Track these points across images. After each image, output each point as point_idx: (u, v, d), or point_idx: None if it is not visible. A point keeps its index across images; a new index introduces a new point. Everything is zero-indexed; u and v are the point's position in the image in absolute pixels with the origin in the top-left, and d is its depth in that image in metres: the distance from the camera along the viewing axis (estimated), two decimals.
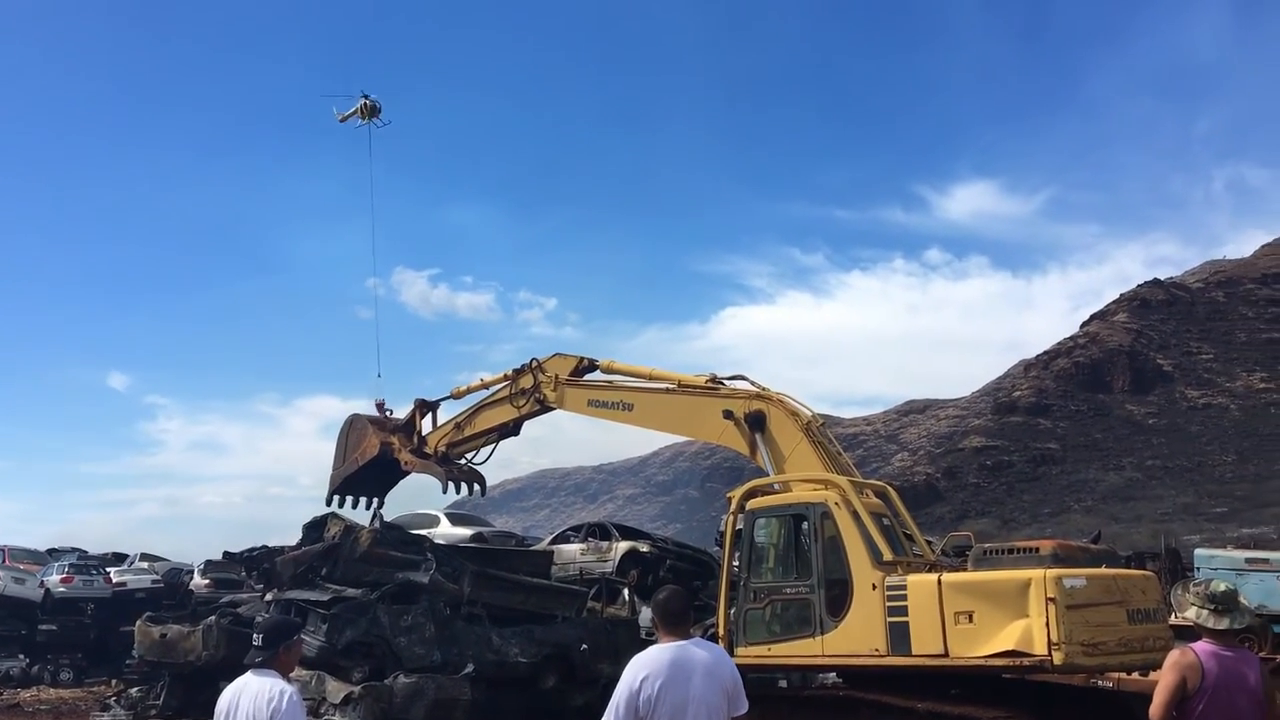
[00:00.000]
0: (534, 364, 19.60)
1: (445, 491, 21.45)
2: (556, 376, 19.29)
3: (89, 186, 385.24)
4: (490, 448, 21.04)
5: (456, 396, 21.79)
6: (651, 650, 5.71)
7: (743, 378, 16.75)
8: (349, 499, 22.51)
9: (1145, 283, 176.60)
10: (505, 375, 20.47)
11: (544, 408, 19.84)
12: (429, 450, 21.45)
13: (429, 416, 21.99)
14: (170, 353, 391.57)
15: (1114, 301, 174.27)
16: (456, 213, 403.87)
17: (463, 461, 21.43)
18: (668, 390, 17.68)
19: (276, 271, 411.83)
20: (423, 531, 22.79)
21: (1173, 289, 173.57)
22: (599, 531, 25.56)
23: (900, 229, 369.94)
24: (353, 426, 22.61)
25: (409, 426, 22.01)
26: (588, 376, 19.26)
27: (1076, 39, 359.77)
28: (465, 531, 25.36)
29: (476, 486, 21.64)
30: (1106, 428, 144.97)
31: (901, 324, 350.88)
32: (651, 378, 18.24)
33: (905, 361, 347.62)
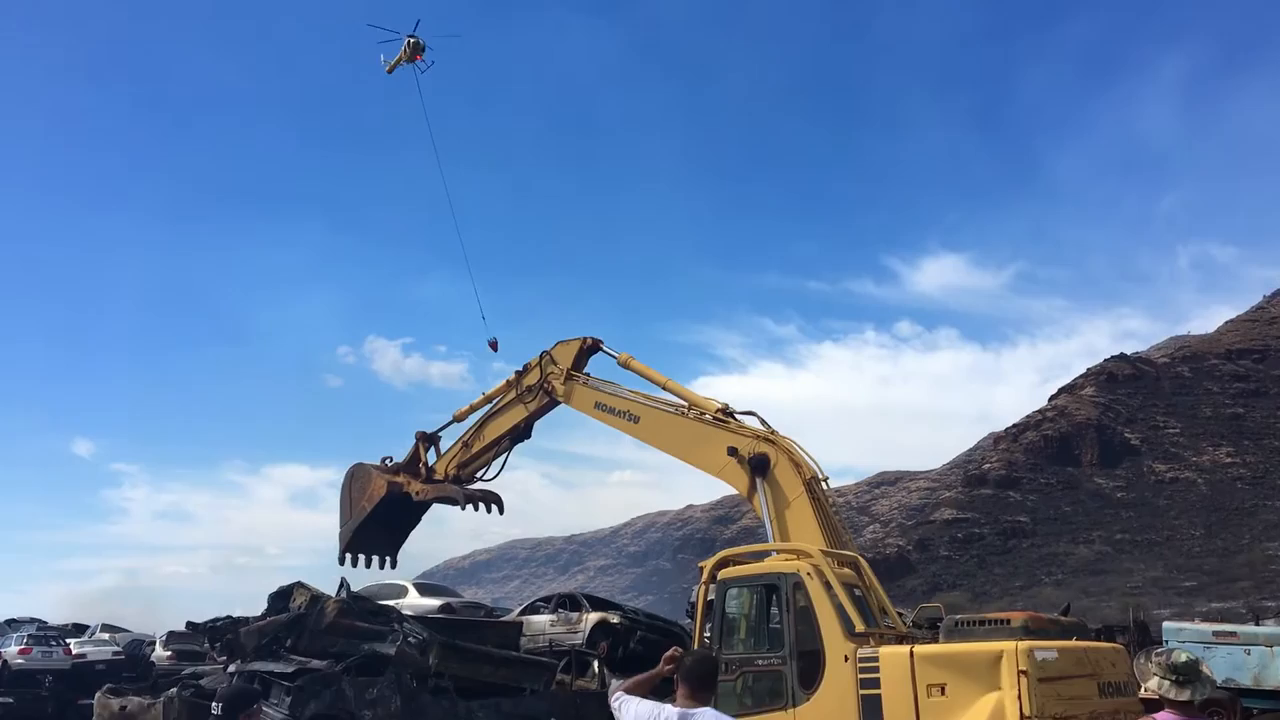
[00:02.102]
0: (544, 356, 19.55)
1: (463, 508, 21.11)
2: (566, 369, 19.18)
3: (56, 250, 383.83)
4: (502, 459, 20.83)
5: (459, 419, 21.62)
6: (667, 707, 5.57)
7: (753, 414, 16.59)
8: (361, 557, 22.16)
9: (1112, 357, 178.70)
10: (508, 381, 20.39)
11: (553, 401, 19.68)
12: (438, 476, 21.22)
13: (432, 449, 21.81)
14: (137, 419, 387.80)
15: (1081, 375, 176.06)
16: (430, 282, 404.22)
17: (476, 483, 21.23)
18: (676, 410, 17.53)
19: (245, 338, 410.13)
20: (390, 602, 22.50)
21: (1139, 364, 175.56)
22: (569, 602, 25.29)
23: (871, 301, 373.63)
24: (354, 477, 22.32)
25: (413, 462, 21.77)
26: (591, 364, 19.18)
27: (1034, 124, 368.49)
28: (433, 602, 25.05)
29: (494, 506, 21.35)
30: (1076, 501, 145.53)
31: (873, 395, 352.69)
32: (665, 387, 18.08)
33: (877, 432, 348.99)
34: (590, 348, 19.59)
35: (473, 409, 21.36)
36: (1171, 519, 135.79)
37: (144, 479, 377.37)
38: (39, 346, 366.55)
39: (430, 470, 21.51)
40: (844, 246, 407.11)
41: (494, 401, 20.65)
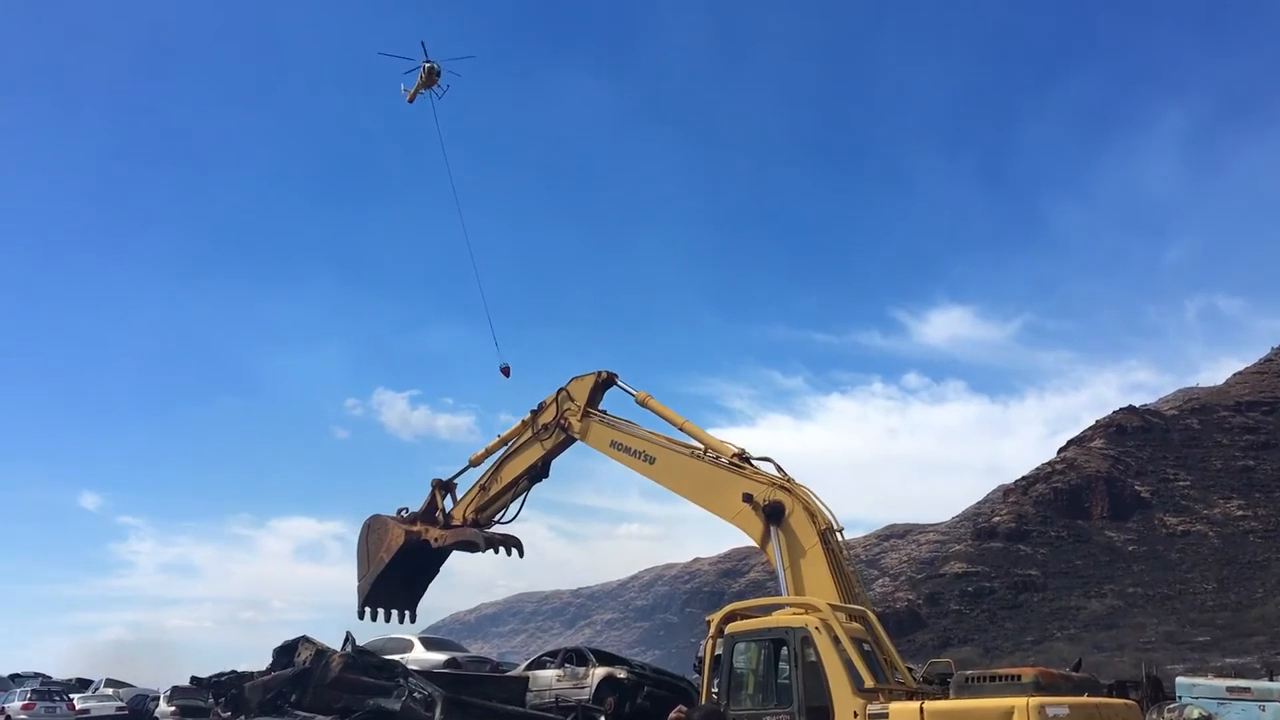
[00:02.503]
0: (561, 393, 19.49)
1: (483, 551, 20.95)
2: (582, 405, 19.11)
3: (65, 304, 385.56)
4: (520, 500, 20.72)
5: (474, 464, 21.54)
6: None
7: (770, 460, 16.48)
8: (380, 612, 21.98)
9: (1121, 409, 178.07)
10: (523, 421, 20.32)
11: (569, 438, 19.58)
12: (456, 522, 21.09)
13: (449, 496, 21.71)
14: (144, 472, 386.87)
15: (1090, 428, 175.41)
16: (437, 334, 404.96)
17: (494, 527, 21.09)
18: (693, 453, 17.42)
19: (253, 391, 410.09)
20: (396, 656, 22.36)
21: (1148, 416, 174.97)
22: (575, 657, 25.07)
23: (878, 353, 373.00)
24: (371, 528, 22.19)
25: (430, 511, 21.67)
26: (608, 401, 19.12)
27: (1037, 178, 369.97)
28: (439, 656, 24.88)
29: (515, 550, 21.19)
30: (1087, 554, 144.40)
31: (881, 447, 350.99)
32: (683, 428, 17.98)
33: (885, 485, 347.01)
34: (605, 382, 19.55)
35: (488, 453, 21.33)
36: (1183, 573, 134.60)
37: (150, 532, 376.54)
38: (47, 399, 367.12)
39: (448, 517, 21.43)
40: (850, 299, 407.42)
41: (510, 443, 20.61)
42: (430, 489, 21.94)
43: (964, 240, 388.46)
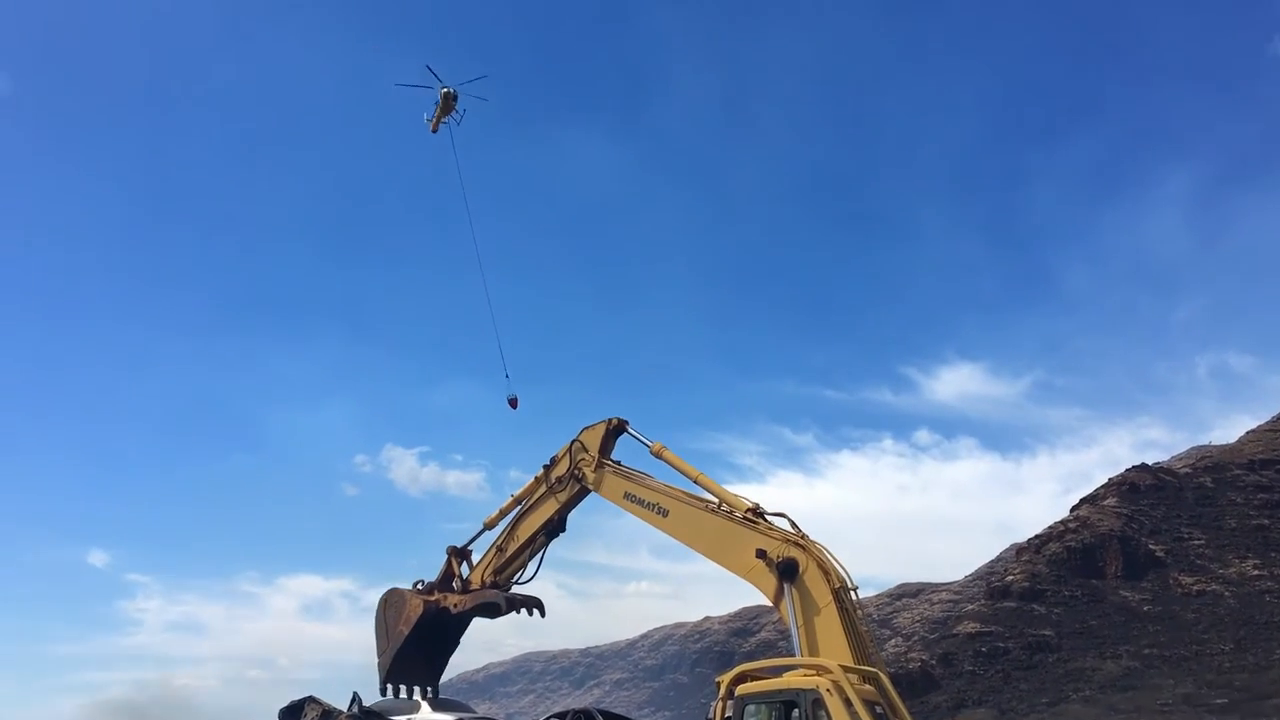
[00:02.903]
0: (574, 444, 19.37)
1: (506, 613, 20.65)
2: (596, 455, 18.97)
3: (75, 364, 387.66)
4: (538, 558, 20.46)
5: (489, 526, 21.31)
6: None
7: (784, 516, 16.29)
8: (403, 685, 21.56)
9: (1133, 467, 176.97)
10: (536, 478, 20.17)
11: (584, 489, 19.40)
12: (475, 587, 20.81)
13: (465, 563, 21.44)
14: (153, 529, 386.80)
15: (1103, 486, 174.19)
16: (447, 391, 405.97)
17: (513, 588, 20.80)
18: (707, 507, 17.25)
19: (264, 448, 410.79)
20: (403, 718, 22.14)
21: (1161, 474, 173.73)
22: (583, 718, 24.81)
23: (889, 409, 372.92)
24: (389, 603, 21.82)
25: (447, 579, 21.42)
26: (622, 451, 18.98)
27: (1044, 235, 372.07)
28: (447, 718, 24.61)
29: (536, 610, 20.88)
30: (1102, 614, 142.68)
31: (892, 504, 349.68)
32: (697, 481, 17.80)
33: (897, 543, 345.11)
34: (616, 429, 19.44)
35: (503, 514, 21.15)
36: (1200, 633, 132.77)
37: (158, 589, 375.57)
38: (59, 457, 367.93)
39: (466, 582, 21.13)
40: (860, 355, 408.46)
41: (524, 501, 20.47)
42: (446, 557, 21.66)
43: (973, 297, 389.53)
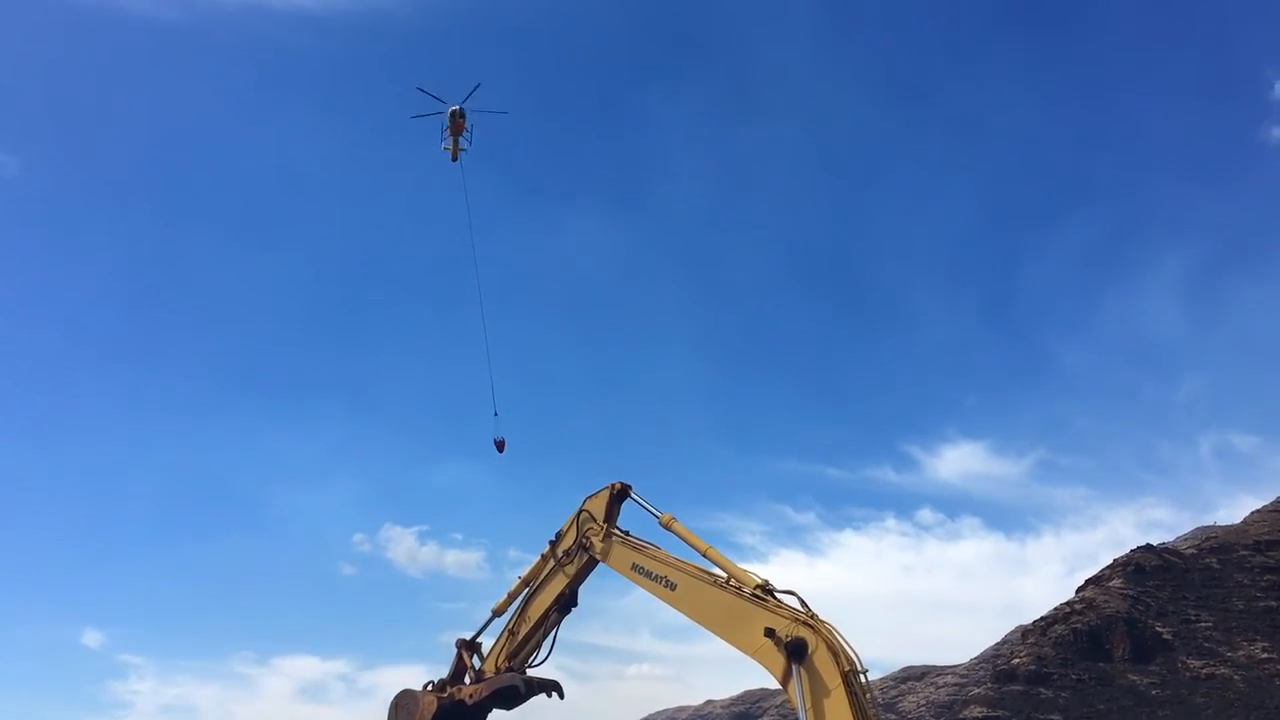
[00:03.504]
0: (581, 514, 19.25)
1: (526, 698, 20.24)
2: (604, 525, 18.87)
3: (73, 442, 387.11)
4: (551, 636, 20.20)
5: (498, 613, 21.02)
6: None
7: (793, 594, 16.27)
8: None
9: (1139, 548, 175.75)
10: (543, 555, 19.97)
11: (592, 560, 19.22)
12: (489, 674, 20.55)
13: (475, 655, 21.19)
14: (148, 609, 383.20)
15: (1108, 567, 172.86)
16: (446, 470, 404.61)
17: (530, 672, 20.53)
18: (716, 581, 17.16)
19: (262, 527, 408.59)
20: None
21: (1166, 555, 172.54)
22: None
23: (892, 488, 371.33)
24: (399, 705, 21.18)
25: (458, 673, 21.12)
26: (633, 524, 18.86)
27: (1040, 317, 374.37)
28: None
29: (555, 693, 20.57)
30: (1110, 698, 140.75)
31: (896, 585, 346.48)
32: (706, 554, 17.60)
33: (901, 624, 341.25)
34: (620, 494, 19.34)
35: (511, 598, 20.95)
36: (1209, 718, 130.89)
37: (151, 670, 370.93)
38: (57, 535, 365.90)
39: (479, 673, 20.84)
40: (861, 433, 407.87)
41: (532, 581, 20.36)
42: (455, 651, 21.44)
43: (973, 377, 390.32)
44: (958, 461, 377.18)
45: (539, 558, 20.35)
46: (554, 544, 19.95)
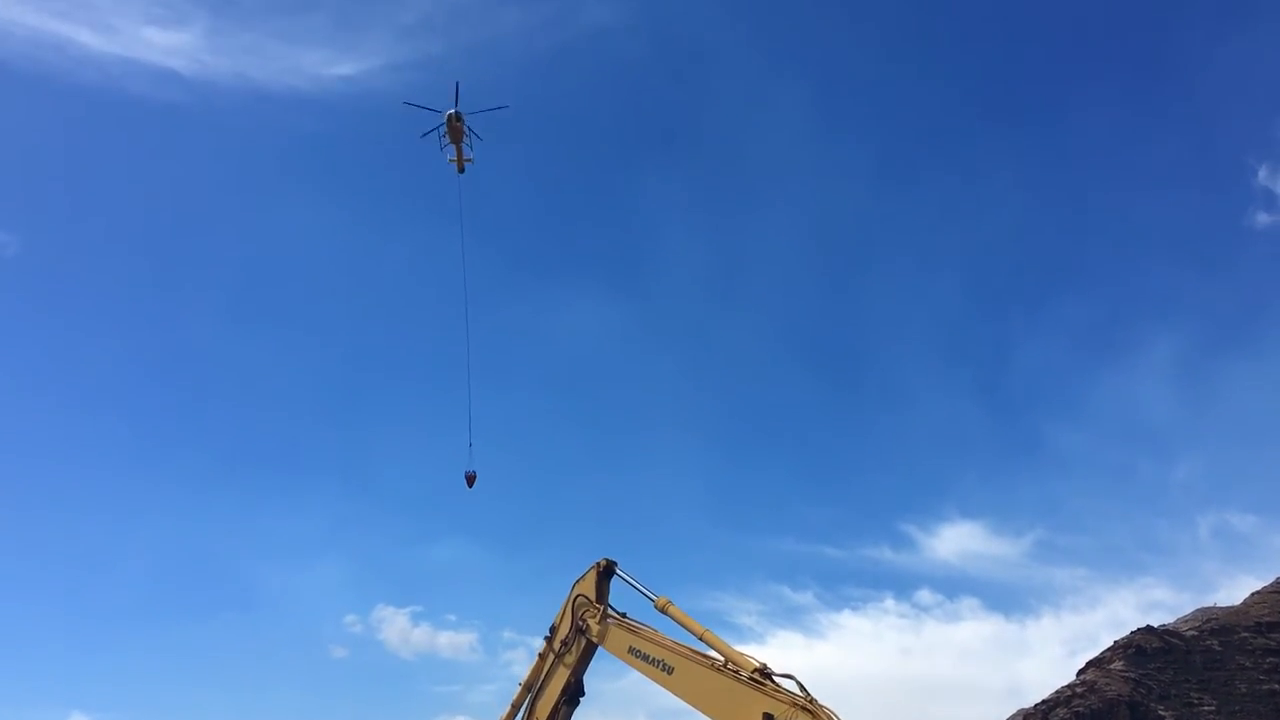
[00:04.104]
0: (576, 599, 19.01)
1: None
2: (599, 606, 18.65)
3: (57, 518, 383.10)
4: None
5: None
6: None
7: (792, 678, 16.07)
8: None
9: (1140, 629, 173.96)
10: (540, 654, 19.78)
11: (591, 644, 18.96)
12: None
13: None
14: (135, 691, 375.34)
15: (1109, 649, 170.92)
16: (441, 549, 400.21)
17: None
18: (713, 665, 16.95)
19: (253, 606, 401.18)
20: None
21: (1167, 636, 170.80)
22: None
23: (889, 568, 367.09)
24: None
25: None
26: (630, 607, 18.63)
27: (1033, 398, 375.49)
28: None
29: None
30: None
31: (896, 667, 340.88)
32: (703, 638, 17.46)
33: (902, 707, 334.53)
34: (606, 570, 19.23)
35: (515, 707, 20.72)
36: None
37: None
38: (42, 613, 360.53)
39: None
40: (859, 512, 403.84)
41: (534, 683, 20.08)
42: None
43: (968, 456, 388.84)
44: (956, 541, 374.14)
45: (536, 658, 20.15)
46: (550, 638, 19.76)
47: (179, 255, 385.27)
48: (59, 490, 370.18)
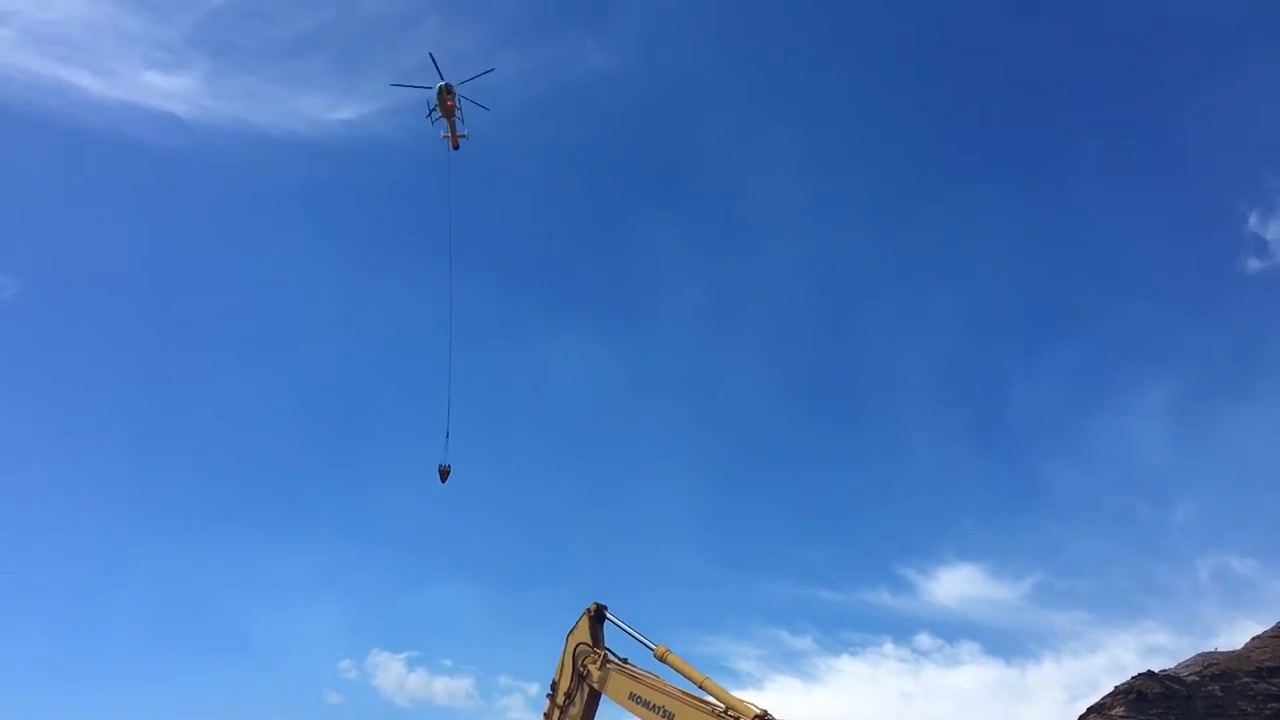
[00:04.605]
0: (575, 647, 18.88)
1: None
2: (598, 652, 18.54)
3: (49, 564, 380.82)
4: None
5: None
6: None
7: None
8: None
9: (1140, 674, 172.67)
10: (545, 712, 19.62)
11: (594, 692, 18.80)
12: None
13: None
14: None
15: (1110, 694, 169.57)
16: (437, 593, 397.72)
17: None
18: (714, 711, 16.82)
19: (243, 651, 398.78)
20: None
21: (1168, 681, 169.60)
22: None
23: (888, 612, 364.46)
24: None
25: None
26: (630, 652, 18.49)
27: (1029, 441, 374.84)
28: None
29: None
30: None
31: (895, 713, 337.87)
32: (702, 685, 17.34)
33: None
34: (597, 614, 19.16)
35: None
36: None
37: None
38: (30, 659, 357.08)
39: None
40: (856, 554, 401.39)
41: None
42: None
43: (966, 499, 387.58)
44: (955, 585, 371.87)
45: (542, 716, 19.97)
46: (552, 694, 19.62)
47: (179, 298, 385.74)
48: (52, 531, 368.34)
